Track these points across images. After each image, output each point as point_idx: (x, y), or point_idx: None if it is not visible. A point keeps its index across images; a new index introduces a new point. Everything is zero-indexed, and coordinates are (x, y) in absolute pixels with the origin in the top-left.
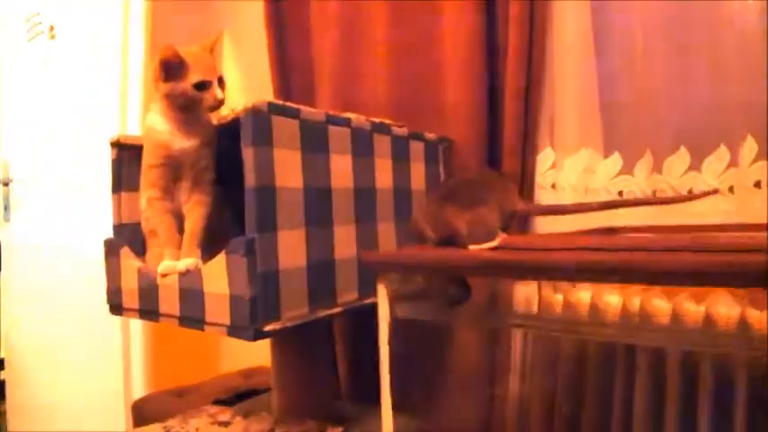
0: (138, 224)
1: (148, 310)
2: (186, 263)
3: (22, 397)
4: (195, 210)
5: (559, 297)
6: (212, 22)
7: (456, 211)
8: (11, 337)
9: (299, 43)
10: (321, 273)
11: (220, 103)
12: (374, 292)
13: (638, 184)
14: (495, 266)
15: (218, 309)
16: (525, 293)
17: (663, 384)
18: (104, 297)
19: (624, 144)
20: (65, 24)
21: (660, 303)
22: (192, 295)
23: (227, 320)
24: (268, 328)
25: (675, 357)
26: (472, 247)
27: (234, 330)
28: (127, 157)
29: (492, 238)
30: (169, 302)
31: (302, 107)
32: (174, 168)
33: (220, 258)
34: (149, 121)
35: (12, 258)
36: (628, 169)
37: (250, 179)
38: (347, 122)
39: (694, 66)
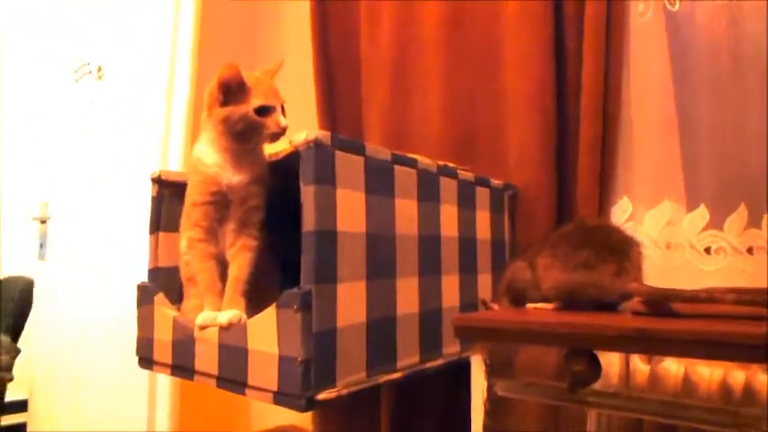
0: (176, 268)
1: (182, 367)
2: (229, 315)
3: None
4: (241, 255)
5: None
6: (260, 62)
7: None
8: (36, 379)
9: (348, 73)
10: (381, 332)
11: (283, 130)
12: (437, 355)
13: (728, 239)
14: (649, 339)
15: (263, 371)
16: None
17: None
18: (134, 344)
19: (711, 196)
20: (113, 65)
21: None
22: (233, 353)
23: (273, 385)
24: (322, 396)
25: None
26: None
27: (282, 398)
28: (168, 194)
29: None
30: (207, 359)
31: (367, 144)
32: (220, 207)
33: (269, 312)
34: (197, 153)
35: (44, 298)
36: (717, 223)
37: (309, 221)
38: (414, 163)
39: None
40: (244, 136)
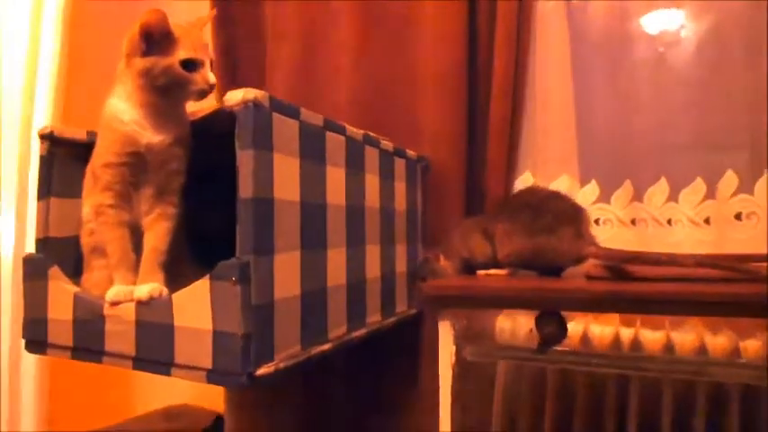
0: (69, 239)
1: (86, 348)
2: (149, 288)
3: None
4: (159, 223)
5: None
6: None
7: (532, 233)
8: None
9: (251, 48)
10: (314, 304)
11: (211, 88)
12: (363, 325)
13: (614, 212)
14: (612, 300)
15: (194, 348)
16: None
17: (657, 419)
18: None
19: (601, 172)
20: None
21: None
22: (155, 331)
23: (207, 363)
24: (261, 371)
25: (669, 389)
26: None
27: (218, 376)
28: (61, 154)
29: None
30: (120, 339)
31: (301, 108)
32: (136, 169)
33: (201, 285)
34: (112, 108)
35: None
36: (605, 197)
37: (246, 188)
38: (342, 130)
39: (674, 100)
40: (167, 91)
